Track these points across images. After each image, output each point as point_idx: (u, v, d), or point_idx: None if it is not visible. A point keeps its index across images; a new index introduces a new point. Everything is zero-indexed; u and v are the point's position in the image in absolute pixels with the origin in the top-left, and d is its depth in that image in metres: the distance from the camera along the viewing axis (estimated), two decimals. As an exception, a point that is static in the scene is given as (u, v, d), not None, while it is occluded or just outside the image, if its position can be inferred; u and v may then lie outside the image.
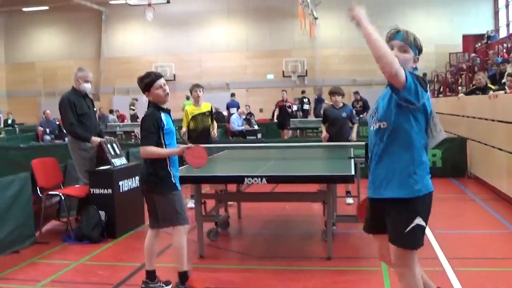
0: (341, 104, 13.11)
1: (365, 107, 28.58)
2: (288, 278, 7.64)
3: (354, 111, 14.24)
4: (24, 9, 42.33)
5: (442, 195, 13.83)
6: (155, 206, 7.08)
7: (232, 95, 32.30)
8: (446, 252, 8.46)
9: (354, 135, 13.12)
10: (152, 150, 6.89)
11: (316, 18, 38.78)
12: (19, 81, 44.73)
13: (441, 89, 27.28)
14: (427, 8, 39.03)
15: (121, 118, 35.93)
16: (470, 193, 13.78)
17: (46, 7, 41.65)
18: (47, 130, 27.93)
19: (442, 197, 13.53)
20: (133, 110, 34.91)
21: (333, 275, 7.69)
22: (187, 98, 35.40)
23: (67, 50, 44.20)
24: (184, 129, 13.02)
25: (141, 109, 35.22)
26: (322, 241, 9.33)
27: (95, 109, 11.48)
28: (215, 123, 13.27)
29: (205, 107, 13.01)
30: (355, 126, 13.32)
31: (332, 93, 13.19)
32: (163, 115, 7.03)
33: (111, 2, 41.09)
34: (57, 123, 28.67)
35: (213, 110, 13.31)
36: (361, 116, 27.36)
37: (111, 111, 36.14)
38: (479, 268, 7.89)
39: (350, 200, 12.47)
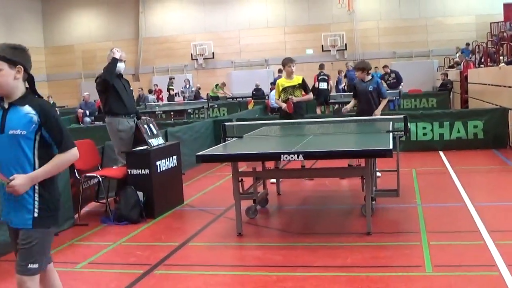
0: (368, 78, 12.98)
1: (398, 78, 28.11)
2: (326, 254, 7.56)
3: (383, 85, 13.97)
4: (61, -8, 42.41)
5: (483, 166, 13.72)
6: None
7: (279, 71, 32.05)
8: (487, 225, 8.29)
9: (377, 111, 12.85)
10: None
11: (354, -9, 38.56)
12: (58, 64, 44.94)
13: (482, 59, 26.88)
14: (468, -23, 38.44)
15: (158, 93, 36.08)
16: (512, 164, 13.56)
17: (83, -11, 41.81)
18: (87, 112, 28.10)
19: (483, 169, 13.42)
20: (172, 90, 35.02)
21: (373, 250, 7.60)
22: (216, 86, 35.64)
23: (106, 32, 44.30)
24: (277, 101, 13.30)
25: (178, 89, 35.46)
26: (361, 216, 9.21)
27: (131, 88, 11.46)
28: (309, 95, 13.61)
29: (296, 80, 13.04)
30: (383, 101, 13.07)
31: (354, 68, 13.21)
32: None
33: (148, -19, 41.12)
34: (95, 104, 28.90)
35: (305, 82, 13.33)
36: (400, 87, 27.04)
37: (150, 91, 36.25)
38: (522, 240, 7.72)
39: (377, 174, 12.33)
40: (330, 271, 6.91)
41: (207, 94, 35.53)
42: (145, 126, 10.59)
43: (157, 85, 37.27)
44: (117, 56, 10.71)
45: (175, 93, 35.41)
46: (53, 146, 4.64)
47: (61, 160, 4.61)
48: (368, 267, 6.92)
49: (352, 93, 13.69)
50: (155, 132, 10.82)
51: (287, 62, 12.96)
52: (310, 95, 13.82)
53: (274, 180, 11.88)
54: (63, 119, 26.60)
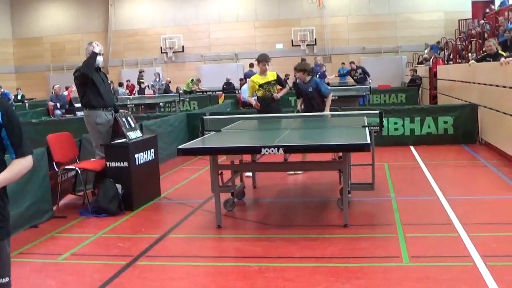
0: (308, 79, 13.27)
1: (365, 73, 28.43)
2: (306, 246, 7.73)
3: (323, 83, 14.18)
4: (31, -17, 42.16)
5: (454, 161, 14.00)
6: None
7: (251, 65, 32.12)
8: (461, 218, 8.52)
9: (326, 109, 13.14)
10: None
11: (324, -14, 38.80)
12: (27, 56, 44.63)
13: (451, 56, 27.20)
14: (436, -25, 38.82)
15: (131, 88, 36.09)
16: (481, 159, 13.81)
17: (52, -19, 41.60)
18: (58, 105, 27.99)
19: (454, 164, 13.70)
20: (143, 83, 35.01)
21: (350, 242, 7.78)
22: (191, 81, 35.85)
23: (75, 24, 44.10)
24: (249, 98, 13.56)
25: (148, 82, 35.39)
26: (337, 209, 9.41)
27: (109, 81, 11.55)
28: (286, 88, 14.07)
29: (271, 76, 13.31)
30: (328, 99, 13.26)
31: (294, 69, 13.54)
32: None
33: (118, -26, 41.03)
34: (66, 96, 28.81)
35: (280, 77, 13.71)
36: (368, 82, 27.38)
37: (120, 84, 36.19)
38: (494, 233, 7.95)
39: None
40: (310, 262, 7.08)
41: (177, 88, 35.61)
42: (123, 119, 10.67)
43: (129, 81, 37.21)
44: (96, 50, 10.78)
45: (145, 86, 35.39)
46: (8, 150, 4.13)
47: (20, 167, 4.14)
48: (347, 257, 7.12)
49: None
50: (133, 125, 10.91)
51: (262, 60, 13.22)
52: (287, 88, 14.18)
53: (250, 174, 12.04)
54: (33, 112, 26.62)
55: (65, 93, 29.55)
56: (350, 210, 8.86)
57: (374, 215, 9.31)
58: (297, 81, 14.01)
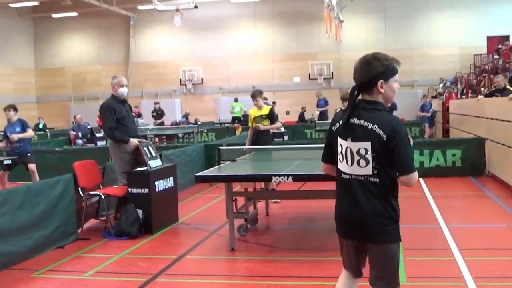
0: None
1: (392, 106, 28.89)
2: (313, 266, 8.30)
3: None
4: (54, 16, 42.95)
5: (460, 192, 14.47)
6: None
7: (265, 98, 32.89)
8: (459, 244, 9.08)
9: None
10: None
11: (341, 21, 39.39)
12: (48, 86, 45.48)
13: (464, 91, 27.68)
14: (452, 10, 39.28)
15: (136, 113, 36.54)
16: (487, 191, 14.29)
17: (75, 13, 42.24)
18: (79, 134, 28.67)
19: (459, 195, 14.17)
20: (153, 116, 35.32)
21: (354, 264, 8.34)
22: (235, 100, 36.40)
23: (96, 55, 44.97)
24: (250, 130, 14.56)
25: (167, 113, 35.82)
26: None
27: (133, 113, 12.19)
28: (275, 124, 14.50)
29: (265, 110, 14.27)
30: (274, 124, 14.49)
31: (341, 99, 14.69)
32: None
33: (139, 7, 41.66)
34: (88, 127, 29.49)
35: (273, 113, 14.45)
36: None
37: (139, 115, 36.76)
38: (488, 257, 8.49)
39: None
40: (316, 281, 7.68)
41: (196, 119, 36.29)
42: (145, 148, 11.31)
43: (137, 107, 37.49)
44: (132, 145, 11.39)
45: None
46: None
47: None
48: (349, 278, 7.68)
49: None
50: (154, 154, 11.54)
51: (254, 96, 14.29)
52: (277, 124, 14.82)
53: (277, 200, 13.14)
54: (55, 141, 27.32)
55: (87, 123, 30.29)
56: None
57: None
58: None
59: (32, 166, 14.96)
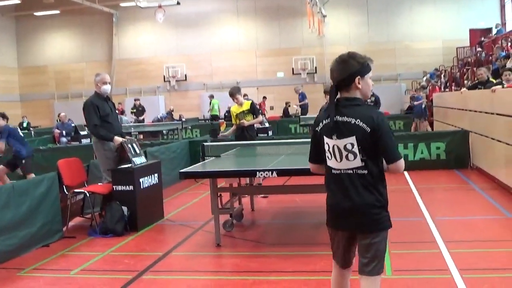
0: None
1: (376, 102, 28.79)
2: (299, 261, 8.30)
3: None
4: (36, 14, 42.91)
5: (444, 185, 14.53)
6: None
7: (244, 95, 32.92)
8: (444, 236, 9.12)
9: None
10: None
11: (324, 16, 39.47)
12: (32, 84, 45.38)
13: (448, 84, 27.70)
14: (435, 3, 39.56)
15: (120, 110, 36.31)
16: (471, 183, 14.35)
17: (57, 11, 42.22)
18: (63, 133, 28.54)
19: (444, 187, 14.23)
20: (133, 112, 34.94)
21: (340, 258, 8.36)
22: (211, 97, 36.34)
23: (79, 53, 44.89)
24: (234, 126, 14.65)
25: (149, 110, 35.61)
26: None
27: (116, 110, 12.16)
28: (257, 118, 14.61)
29: (246, 105, 14.38)
30: (256, 118, 14.62)
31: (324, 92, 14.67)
32: None
33: (121, 4, 41.62)
34: (72, 125, 29.38)
35: (254, 107, 14.57)
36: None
37: (122, 112, 36.60)
38: (473, 249, 8.54)
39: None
40: (301, 275, 7.68)
41: (180, 116, 36.24)
42: (129, 145, 11.28)
43: (120, 103, 37.61)
44: (116, 142, 11.33)
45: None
46: None
47: None
48: (335, 271, 7.70)
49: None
50: (138, 151, 11.51)
51: (233, 94, 14.40)
52: (259, 118, 14.88)
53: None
54: (39, 139, 27.19)
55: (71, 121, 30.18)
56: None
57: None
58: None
59: (29, 177, 14.53)
